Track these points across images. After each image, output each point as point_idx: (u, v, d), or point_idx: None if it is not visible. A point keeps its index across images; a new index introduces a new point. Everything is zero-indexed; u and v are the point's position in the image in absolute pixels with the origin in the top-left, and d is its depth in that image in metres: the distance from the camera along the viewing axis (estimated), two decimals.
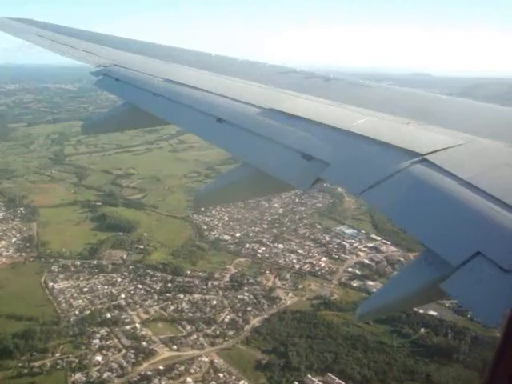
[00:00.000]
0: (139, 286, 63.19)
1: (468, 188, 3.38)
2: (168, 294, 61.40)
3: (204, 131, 6.34)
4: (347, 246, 74.01)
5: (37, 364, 47.41)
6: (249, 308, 58.63)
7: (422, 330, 54.79)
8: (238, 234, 77.56)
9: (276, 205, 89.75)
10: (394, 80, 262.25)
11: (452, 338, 53.41)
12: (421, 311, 57.57)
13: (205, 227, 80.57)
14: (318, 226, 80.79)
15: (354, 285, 63.66)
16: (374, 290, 61.93)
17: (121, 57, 10.34)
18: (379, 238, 76.39)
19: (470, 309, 3.11)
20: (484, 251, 2.80)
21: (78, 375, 46.29)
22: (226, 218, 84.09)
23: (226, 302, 60.04)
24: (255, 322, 56.36)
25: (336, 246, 73.86)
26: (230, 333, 54.26)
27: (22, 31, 14.24)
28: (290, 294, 61.62)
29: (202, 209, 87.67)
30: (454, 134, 4.43)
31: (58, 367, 47.11)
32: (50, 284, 62.72)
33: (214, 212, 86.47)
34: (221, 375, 47.60)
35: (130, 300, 60.03)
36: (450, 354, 50.35)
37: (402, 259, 70.24)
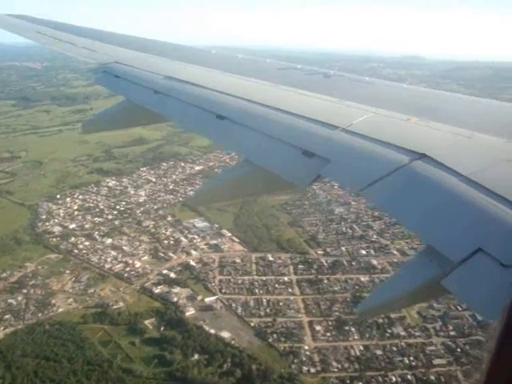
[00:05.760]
0: None
1: (468, 184, 3.36)
2: None
3: (204, 128, 6.19)
4: (185, 242, 61.96)
5: None
6: (7, 316, 47.96)
7: (196, 356, 42.51)
8: (72, 226, 66.70)
9: (142, 192, 78.18)
10: (384, 63, 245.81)
11: (227, 369, 41.00)
12: (212, 331, 45.40)
13: (44, 217, 70.02)
14: (169, 218, 68.80)
15: (156, 291, 51.74)
16: (175, 299, 50.07)
17: (121, 54, 10.09)
18: (229, 234, 63.79)
19: (471, 305, 2.94)
20: (485, 247, 2.77)
21: None
22: (75, 207, 73.35)
23: None
24: (1, 334, 45.58)
25: (172, 243, 61.98)
26: None
27: (23, 28, 13.93)
28: (70, 300, 50.46)
29: (58, 196, 77.64)
30: (455, 130, 4.48)
31: None
32: None
33: (67, 199, 75.97)
34: None
35: None
36: None
37: (238, 261, 57.69)
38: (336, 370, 41.21)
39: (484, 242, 2.81)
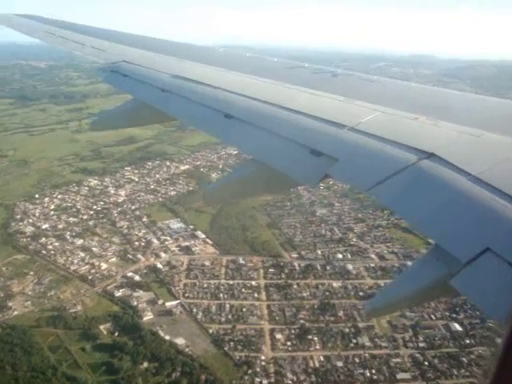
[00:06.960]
0: None
1: (477, 183, 3.30)
2: None
3: (212, 127, 6.19)
4: (156, 244, 60.05)
5: None
6: None
7: (146, 364, 40.54)
8: (44, 226, 65.34)
9: (122, 192, 76.56)
10: (392, 61, 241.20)
11: (175, 379, 38.97)
12: (167, 337, 43.42)
13: (19, 217, 68.82)
14: (145, 219, 66.97)
15: (117, 295, 49.97)
16: (135, 303, 48.20)
17: (129, 53, 10.18)
18: (203, 236, 61.69)
19: (479, 305, 2.84)
20: (493, 247, 2.74)
21: None
22: (52, 207, 72.02)
23: None
24: None
25: (143, 244, 60.10)
26: None
27: (30, 28, 14.19)
28: (28, 303, 48.92)
29: (37, 195, 76.39)
30: (463, 129, 4.42)
31: None
32: None
33: (46, 199, 74.74)
34: None
35: None
36: None
37: (207, 264, 55.57)
38: (290, 382, 38.75)
39: (492, 242, 2.78)
